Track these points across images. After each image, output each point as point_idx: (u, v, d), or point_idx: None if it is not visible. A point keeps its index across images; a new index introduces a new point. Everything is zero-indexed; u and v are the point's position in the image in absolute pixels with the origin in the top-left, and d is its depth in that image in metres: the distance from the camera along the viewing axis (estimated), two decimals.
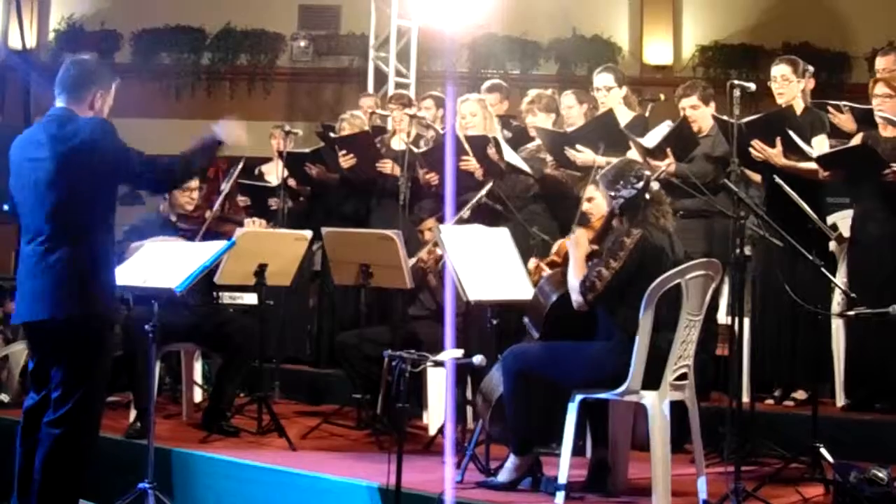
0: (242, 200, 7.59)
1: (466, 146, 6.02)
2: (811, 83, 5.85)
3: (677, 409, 4.23)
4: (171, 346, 5.75)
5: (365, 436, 5.57)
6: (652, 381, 4.07)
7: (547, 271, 4.66)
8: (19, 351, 6.40)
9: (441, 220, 5.66)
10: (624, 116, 6.05)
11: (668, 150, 5.52)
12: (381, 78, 10.34)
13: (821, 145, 5.47)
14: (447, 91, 7.17)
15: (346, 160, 6.79)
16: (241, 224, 5.80)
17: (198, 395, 6.31)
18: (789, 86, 5.53)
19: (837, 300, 5.52)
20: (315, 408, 6.59)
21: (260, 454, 5.07)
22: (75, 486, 4.13)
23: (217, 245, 4.64)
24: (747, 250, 4.97)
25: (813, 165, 5.29)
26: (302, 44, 11.86)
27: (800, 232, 4.77)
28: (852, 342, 5.49)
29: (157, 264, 4.56)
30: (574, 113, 6.24)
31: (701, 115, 5.70)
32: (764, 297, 5.53)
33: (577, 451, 4.35)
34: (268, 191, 7.46)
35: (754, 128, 5.28)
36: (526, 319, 4.63)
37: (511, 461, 4.39)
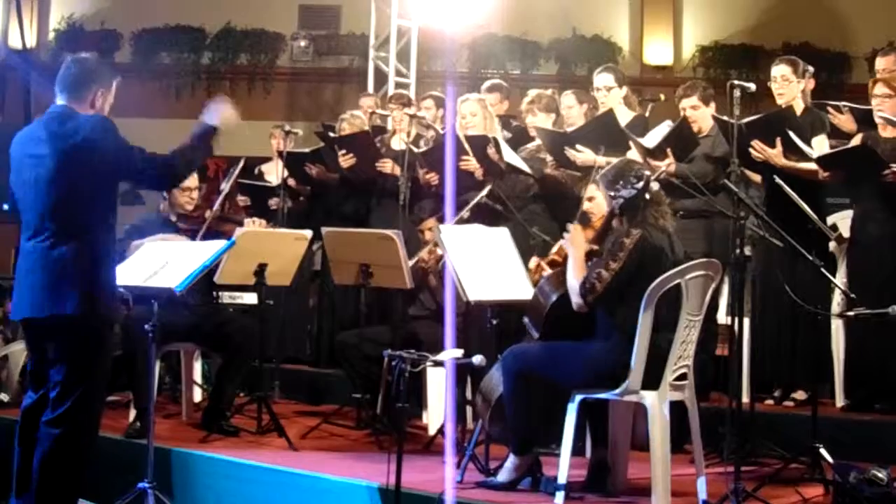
0: (242, 200, 7.59)
1: (466, 146, 6.03)
2: (811, 83, 5.85)
3: (677, 409, 4.23)
4: (170, 345, 5.75)
5: (365, 436, 5.57)
6: (652, 381, 4.07)
7: (548, 270, 4.65)
8: (19, 350, 6.40)
9: (441, 219, 5.66)
10: (624, 116, 6.05)
11: (668, 150, 5.52)
12: (381, 78, 10.34)
13: (821, 146, 5.47)
14: (447, 91, 7.17)
15: (345, 160, 6.79)
16: (240, 224, 5.79)
17: (197, 394, 6.31)
18: (789, 86, 5.53)
19: (837, 300, 5.52)
20: (315, 408, 6.59)
21: (260, 454, 5.07)
22: (74, 485, 4.13)
23: (217, 245, 4.64)
24: (747, 250, 4.97)
25: (813, 166, 5.29)
26: (302, 43, 11.86)
27: (800, 232, 4.77)
28: (852, 343, 5.49)
29: (156, 264, 4.56)
30: (574, 113, 6.24)
31: (701, 115, 5.70)
32: (764, 298, 5.53)
33: (577, 451, 4.35)
34: (268, 190, 7.46)
35: (754, 128, 5.28)
36: (526, 319, 4.62)
37: (511, 461, 4.39)
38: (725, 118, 5.23)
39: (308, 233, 5.83)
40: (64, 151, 4.00)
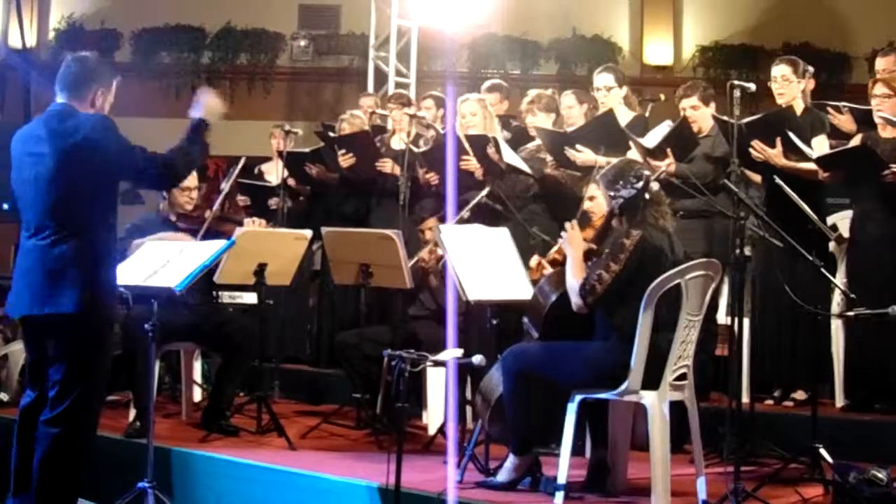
0: (242, 200, 7.59)
1: (467, 146, 6.03)
2: (811, 84, 5.85)
3: (677, 409, 4.23)
4: (170, 345, 5.75)
5: (364, 435, 5.57)
6: (651, 381, 4.07)
7: (548, 269, 4.65)
8: (18, 350, 6.40)
9: (442, 219, 5.66)
10: (624, 116, 6.05)
11: (668, 150, 5.52)
12: (381, 78, 10.34)
13: (821, 146, 5.47)
14: (447, 91, 7.17)
15: (345, 160, 6.79)
16: (240, 224, 5.79)
17: (197, 394, 6.31)
18: (789, 86, 5.53)
19: (837, 301, 5.52)
20: (315, 407, 6.59)
21: (259, 454, 5.07)
22: (74, 485, 4.13)
23: (217, 244, 4.64)
24: (747, 251, 4.97)
25: (813, 166, 5.29)
26: (302, 43, 11.86)
27: (800, 232, 4.78)
28: (852, 343, 5.49)
29: (156, 263, 4.56)
30: (574, 113, 6.24)
31: (701, 115, 5.70)
32: (764, 298, 5.53)
33: (577, 451, 4.35)
34: (268, 190, 7.46)
35: (754, 128, 5.28)
36: (525, 319, 4.62)
37: (510, 461, 4.39)
38: (725, 118, 5.23)
39: (308, 233, 5.83)
40: (64, 150, 4.01)
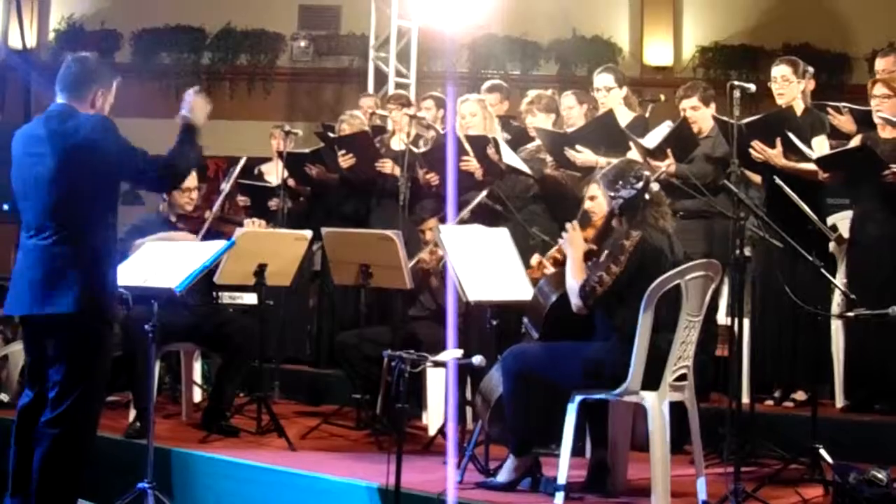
0: (242, 201, 7.59)
1: (467, 146, 6.03)
2: (811, 84, 5.85)
3: (677, 409, 4.23)
4: (170, 345, 5.75)
5: (364, 436, 5.57)
6: (651, 381, 4.07)
7: (549, 268, 4.65)
8: (18, 351, 6.39)
9: (442, 219, 5.67)
10: (624, 117, 6.06)
11: (668, 150, 5.52)
12: (381, 78, 10.34)
13: (821, 146, 5.47)
14: (447, 91, 7.17)
15: (345, 160, 6.79)
16: (240, 224, 5.79)
17: (197, 394, 6.31)
18: (789, 86, 5.53)
19: (837, 301, 5.52)
20: (315, 408, 6.59)
21: (259, 454, 5.07)
22: (74, 485, 4.13)
23: (217, 245, 4.64)
24: (747, 251, 4.97)
25: (813, 166, 5.29)
26: (302, 44, 11.86)
27: (800, 233, 4.78)
28: (852, 343, 5.49)
29: (156, 264, 4.56)
30: (574, 113, 6.24)
31: (701, 116, 5.70)
32: (764, 298, 5.53)
33: (577, 451, 4.34)
34: (268, 191, 7.46)
35: (754, 129, 5.28)
36: (525, 320, 4.62)
37: (510, 462, 4.39)
38: (725, 119, 5.23)
39: (308, 233, 5.83)
40: (64, 150, 4.01)
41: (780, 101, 5.53)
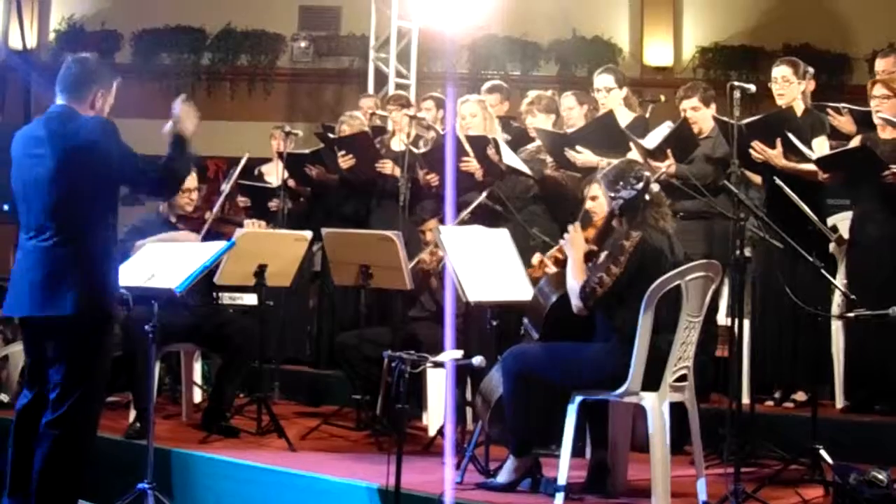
0: (242, 201, 7.59)
1: (467, 147, 6.03)
2: (812, 85, 5.85)
3: (677, 410, 4.23)
4: (170, 346, 5.75)
5: (364, 437, 5.57)
6: (651, 382, 4.07)
7: (550, 266, 4.65)
8: (18, 351, 6.39)
9: (443, 220, 5.67)
10: (624, 117, 6.06)
11: (669, 151, 5.52)
12: (381, 79, 10.34)
13: (821, 147, 5.47)
14: (447, 92, 7.17)
15: (345, 161, 6.79)
16: (240, 225, 5.79)
17: (197, 395, 6.31)
18: (790, 87, 5.53)
19: (837, 302, 5.52)
20: (314, 409, 6.59)
21: (259, 455, 5.07)
22: (74, 486, 4.13)
23: (217, 245, 4.65)
24: (747, 252, 4.97)
25: (813, 167, 5.29)
26: (302, 44, 11.85)
27: (800, 233, 4.78)
28: (852, 344, 5.49)
29: (157, 264, 4.56)
30: (574, 114, 6.25)
31: (702, 116, 5.70)
32: (764, 299, 5.53)
33: (577, 452, 4.35)
34: (268, 192, 7.46)
35: (754, 129, 5.28)
36: (525, 320, 4.62)
37: (510, 462, 4.39)
38: (726, 119, 5.24)
39: (308, 234, 5.83)
40: (64, 151, 4.00)
41: (781, 102, 5.53)
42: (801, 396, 5.52)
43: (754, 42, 11.39)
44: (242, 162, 6.30)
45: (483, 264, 4.91)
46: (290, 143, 7.52)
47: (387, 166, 6.73)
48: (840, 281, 5.37)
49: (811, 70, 5.74)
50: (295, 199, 7.42)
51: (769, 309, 5.51)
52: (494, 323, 4.87)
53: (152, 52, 11.82)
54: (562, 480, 4.11)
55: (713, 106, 5.76)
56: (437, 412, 5.51)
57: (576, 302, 4.18)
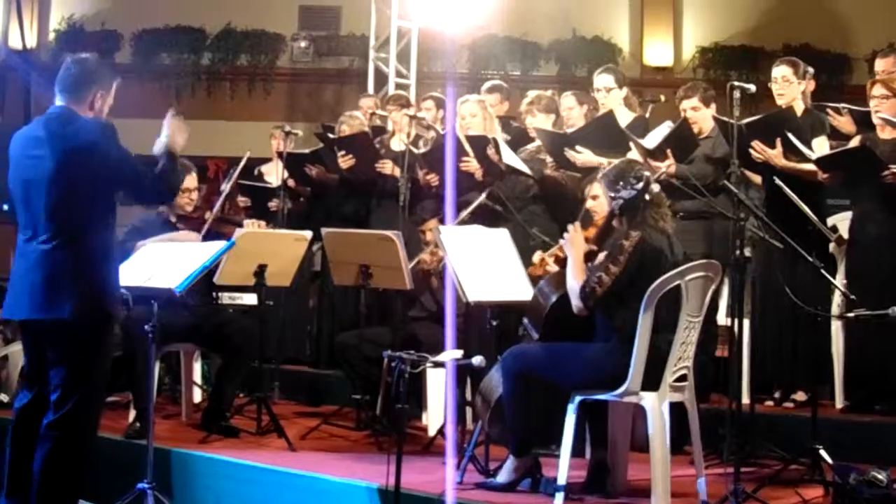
0: (242, 201, 7.59)
1: (467, 147, 6.03)
2: (812, 85, 5.85)
3: (677, 410, 4.23)
4: (170, 346, 5.75)
5: (364, 437, 5.57)
6: (651, 382, 4.07)
7: (551, 265, 4.65)
8: (18, 351, 6.38)
9: (443, 220, 5.66)
10: (624, 117, 6.06)
11: (668, 151, 5.52)
12: (381, 79, 10.34)
13: (821, 147, 5.47)
14: (447, 92, 7.16)
15: (344, 161, 6.79)
16: (240, 225, 5.79)
17: (197, 395, 6.31)
18: (790, 87, 5.53)
19: (837, 302, 5.52)
20: (314, 408, 6.59)
21: (259, 455, 5.07)
22: (75, 486, 4.12)
23: (216, 245, 4.65)
24: (747, 252, 4.97)
25: (813, 167, 5.29)
26: (302, 44, 11.85)
27: (800, 234, 4.78)
28: (852, 344, 5.49)
29: (156, 264, 4.56)
30: (574, 114, 6.24)
31: (702, 116, 5.70)
32: (764, 299, 5.53)
33: (577, 452, 4.34)
34: (268, 191, 7.46)
35: (754, 129, 5.28)
36: (525, 320, 4.62)
37: (510, 462, 4.40)
38: (725, 119, 5.24)
39: (308, 234, 5.83)
40: (64, 152, 3.99)
41: (781, 102, 5.53)
42: (801, 396, 5.52)
43: (754, 42, 11.39)
44: (242, 162, 6.30)
45: (483, 264, 4.91)
46: (289, 142, 7.52)
47: (386, 166, 6.73)
48: (840, 281, 5.37)
49: (811, 70, 5.74)
50: (295, 199, 7.42)
51: (769, 309, 5.51)
52: (494, 323, 4.87)
53: (152, 52, 11.82)
54: (562, 480, 4.11)
55: (713, 106, 5.76)
56: (437, 412, 5.51)
57: (576, 302, 4.18)
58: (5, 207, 8.93)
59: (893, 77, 5.62)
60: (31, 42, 10.88)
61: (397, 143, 6.79)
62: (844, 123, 5.87)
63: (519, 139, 6.50)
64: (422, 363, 4.05)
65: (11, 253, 4.16)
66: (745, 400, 5.04)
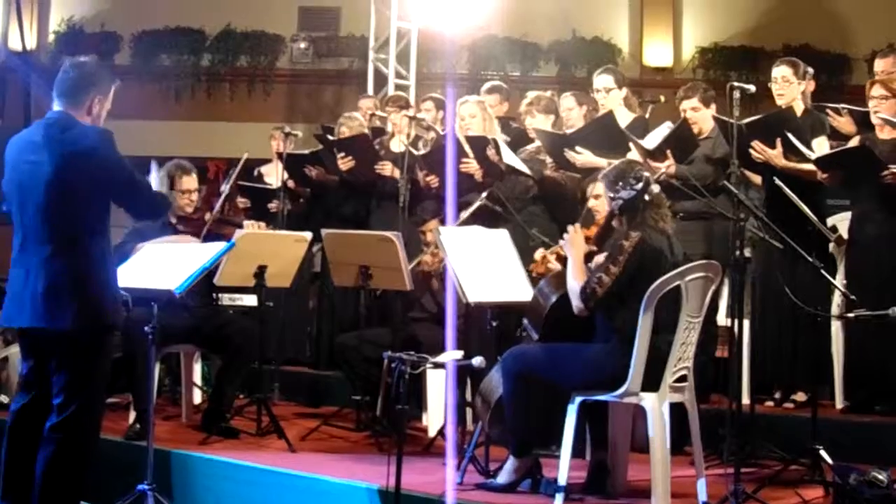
0: (242, 202, 7.59)
1: (467, 147, 6.03)
2: (811, 85, 5.85)
3: (677, 411, 4.23)
4: (170, 347, 5.75)
5: (364, 437, 5.57)
6: (651, 382, 4.07)
7: (553, 262, 4.65)
8: (18, 353, 6.38)
9: (443, 221, 5.67)
10: (624, 118, 6.05)
11: (668, 151, 5.52)
12: (380, 80, 10.34)
13: (821, 147, 5.47)
14: (447, 93, 7.17)
15: (344, 162, 6.79)
16: (240, 226, 5.79)
17: (197, 396, 6.31)
18: (790, 87, 5.53)
19: (837, 302, 5.52)
20: (314, 409, 6.59)
21: (259, 456, 5.07)
22: (76, 489, 4.11)
23: (216, 246, 4.65)
24: (747, 252, 4.97)
25: (813, 167, 5.29)
26: (302, 45, 11.86)
27: (800, 234, 4.78)
28: (852, 344, 5.49)
29: (156, 266, 4.56)
30: (574, 115, 6.24)
31: (702, 116, 5.70)
32: (764, 299, 5.53)
33: (577, 452, 4.34)
34: (268, 193, 7.46)
35: (754, 129, 5.28)
36: (525, 321, 4.62)
37: (510, 463, 4.39)
38: (725, 119, 5.24)
39: (308, 235, 5.83)
40: (62, 156, 3.96)
41: (780, 102, 5.53)
42: (801, 397, 5.52)
43: (754, 42, 11.39)
44: (242, 163, 6.30)
45: (483, 265, 4.91)
46: (289, 143, 7.52)
47: (386, 167, 6.73)
48: (840, 281, 5.37)
49: (811, 70, 5.74)
50: (294, 200, 7.42)
51: (769, 309, 5.51)
52: (494, 323, 4.86)
53: (152, 53, 11.82)
54: (562, 481, 4.11)
55: (713, 106, 5.76)
56: (437, 413, 5.51)
57: (576, 303, 4.18)
58: (5, 209, 8.93)
59: (893, 77, 5.62)
60: (31, 44, 10.89)
61: (397, 145, 6.79)
62: (844, 124, 5.87)
63: (518, 140, 6.50)
64: (422, 364, 4.05)
65: (10, 253, 4.14)
66: (745, 400, 5.03)
